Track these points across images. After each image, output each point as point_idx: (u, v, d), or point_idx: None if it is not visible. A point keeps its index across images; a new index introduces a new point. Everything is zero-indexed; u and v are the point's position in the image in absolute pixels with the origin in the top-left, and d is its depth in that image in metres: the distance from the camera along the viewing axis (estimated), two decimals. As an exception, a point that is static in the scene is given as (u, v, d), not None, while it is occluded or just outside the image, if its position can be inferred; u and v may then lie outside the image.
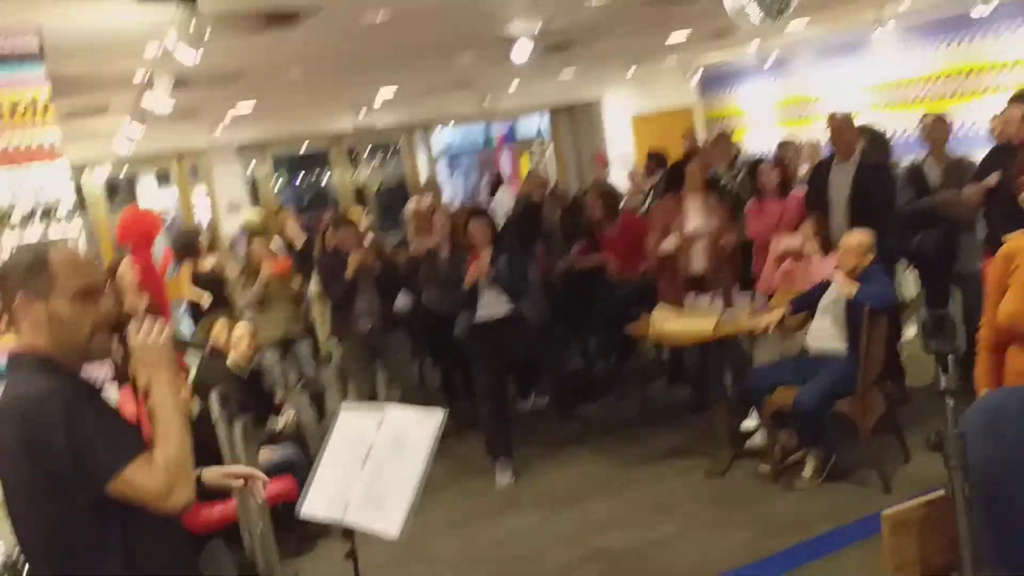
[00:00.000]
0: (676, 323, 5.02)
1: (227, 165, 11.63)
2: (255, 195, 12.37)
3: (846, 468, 4.67)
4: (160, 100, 5.72)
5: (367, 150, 13.87)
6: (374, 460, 2.74)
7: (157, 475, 1.89)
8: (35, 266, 1.98)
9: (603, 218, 6.58)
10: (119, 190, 13.32)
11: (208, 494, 2.33)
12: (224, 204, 11.58)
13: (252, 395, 5.75)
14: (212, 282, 7.45)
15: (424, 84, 9.22)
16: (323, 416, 6.83)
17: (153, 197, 13.36)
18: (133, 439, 1.98)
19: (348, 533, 2.79)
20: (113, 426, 1.98)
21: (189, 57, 3.86)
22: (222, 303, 7.20)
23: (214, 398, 5.05)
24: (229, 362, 5.59)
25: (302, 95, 8.76)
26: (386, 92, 9.40)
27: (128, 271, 6.27)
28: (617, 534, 4.50)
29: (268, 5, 4.58)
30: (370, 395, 6.14)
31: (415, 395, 6.24)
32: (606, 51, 8.76)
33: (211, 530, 4.57)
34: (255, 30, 5.01)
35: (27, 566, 2.06)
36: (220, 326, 5.81)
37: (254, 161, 12.34)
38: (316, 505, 2.82)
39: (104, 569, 1.91)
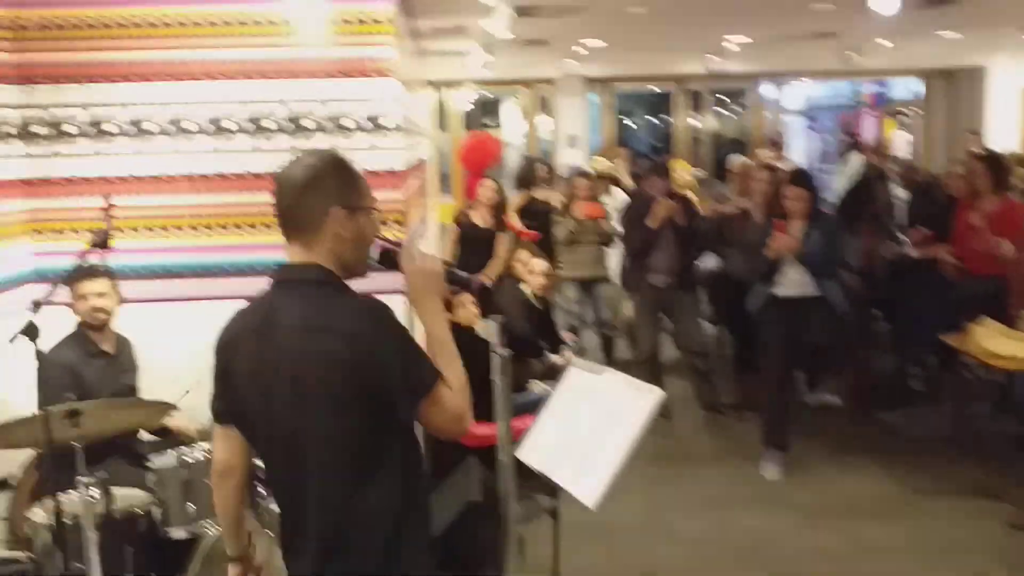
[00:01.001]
0: (1006, 343, 4.25)
1: (572, 98, 11.82)
2: (598, 131, 12.51)
3: None
4: (501, 26, 5.84)
5: (712, 97, 13.35)
6: (588, 424, 2.64)
7: (457, 396, 1.91)
8: (351, 178, 1.96)
9: (982, 192, 5.35)
10: (480, 112, 14.13)
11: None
12: (564, 136, 11.84)
13: (541, 328, 5.89)
14: (539, 212, 7.67)
15: (778, 32, 8.59)
16: (609, 363, 6.80)
17: (510, 122, 14.00)
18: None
19: (553, 490, 2.71)
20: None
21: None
22: (545, 233, 7.38)
23: (494, 322, 5.21)
24: (526, 291, 5.75)
25: (648, 34, 8.56)
26: (736, 38, 8.90)
27: (488, 192, 6.65)
28: (888, 567, 3.99)
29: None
30: (652, 353, 5.98)
31: (702, 362, 6.00)
32: (995, 9, 7.52)
33: (472, 446, 4.76)
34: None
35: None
36: (524, 254, 5.98)
37: (598, 97, 12.43)
38: (532, 452, 2.78)
39: (387, 482, 1.93)
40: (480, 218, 6.64)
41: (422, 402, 1.87)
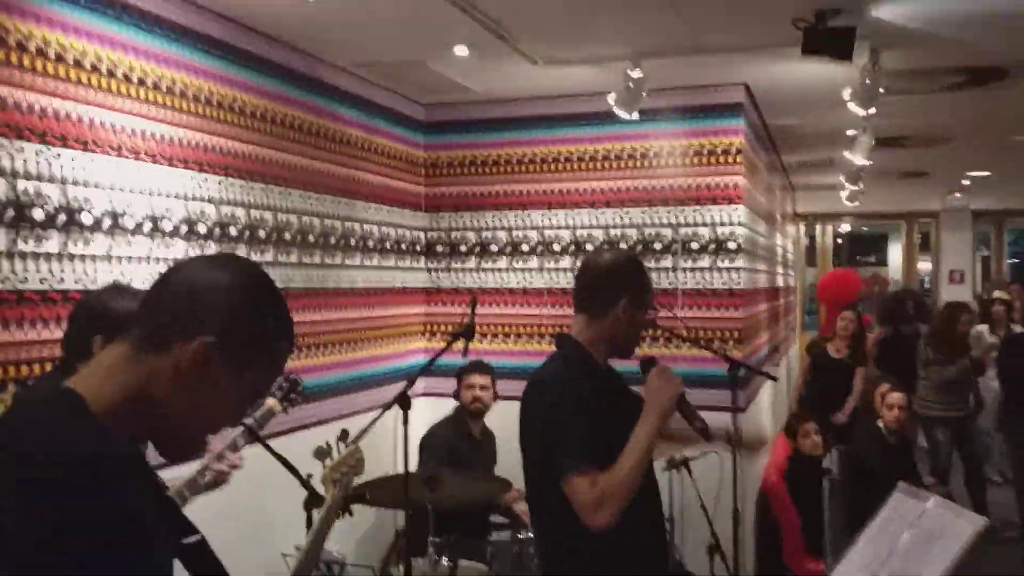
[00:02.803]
0: None
1: (957, 232, 11.05)
2: (985, 267, 11.51)
3: None
4: (862, 157, 5.82)
5: None
6: (904, 549, 2.51)
7: (593, 492, 2.03)
8: (643, 277, 2.30)
9: None
10: (853, 246, 13.68)
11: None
12: (947, 272, 11.07)
13: (897, 466, 5.51)
14: (902, 347, 7.29)
15: None
16: (980, 505, 6.08)
17: (889, 256, 13.42)
18: (601, 449, 2.09)
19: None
20: (592, 429, 2.10)
21: (860, 112, 3.92)
22: (904, 367, 6.99)
23: (836, 452, 5.06)
24: (880, 424, 5.47)
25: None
26: None
27: (845, 324, 6.64)
28: None
29: (966, 61, 4.32)
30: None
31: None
32: None
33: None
34: (958, 87, 4.76)
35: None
36: (883, 387, 5.71)
37: (991, 232, 11.47)
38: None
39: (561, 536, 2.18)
40: (835, 349, 6.51)
41: (559, 483, 2.06)
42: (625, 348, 2.29)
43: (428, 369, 3.19)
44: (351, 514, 2.25)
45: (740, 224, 4.71)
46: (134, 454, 1.14)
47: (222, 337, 1.15)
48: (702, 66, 4.41)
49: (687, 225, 4.76)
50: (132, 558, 1.03)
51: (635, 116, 4.27)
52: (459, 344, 3.24)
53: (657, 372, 2.21)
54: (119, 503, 1.03)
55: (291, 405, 3.02)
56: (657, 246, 4.80)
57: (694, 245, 4.76)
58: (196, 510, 2.60)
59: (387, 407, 2.98)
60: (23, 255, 2.70)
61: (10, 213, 2.66)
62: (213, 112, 3.55)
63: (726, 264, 4.71)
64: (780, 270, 7.97)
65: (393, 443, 2.97)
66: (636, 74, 4.06)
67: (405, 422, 3.01)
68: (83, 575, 0.99)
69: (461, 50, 4.07)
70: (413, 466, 3.26)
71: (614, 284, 2.23)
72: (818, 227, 11.89)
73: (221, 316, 1.16)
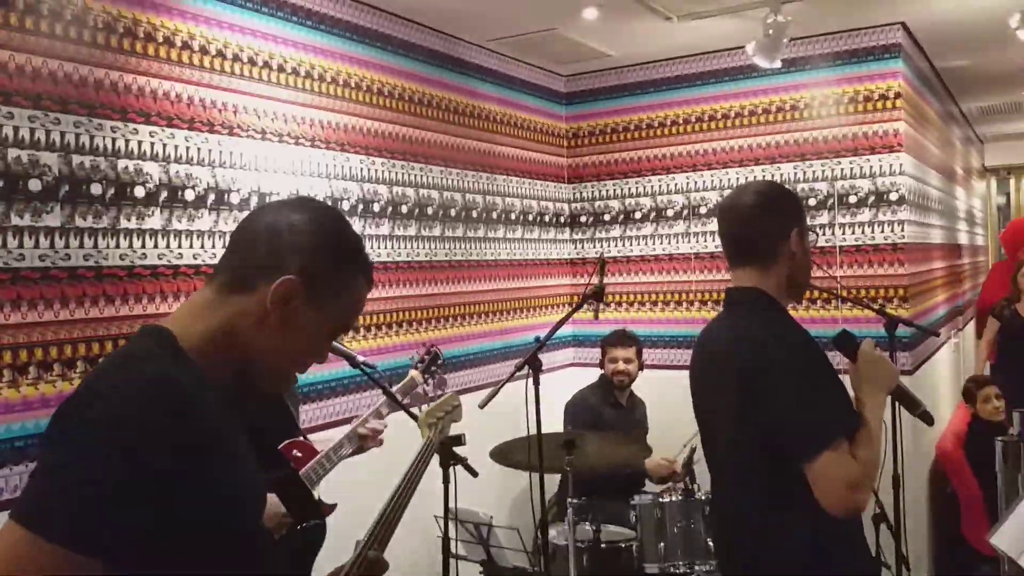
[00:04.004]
0: None
1: None
2: None
3: None
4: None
5: None
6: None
7: (853, 468, 1.76)
8: (798, 200, 2.06)
9: None
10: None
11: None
12: None
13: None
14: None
15: None
16: None
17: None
18: (846, 413, 1.87)
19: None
20: (834, 392, 1.88)
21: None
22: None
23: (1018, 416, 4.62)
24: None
25: None
26: None
27: None
28: None
29: None
30: None
31: None
32: None
33: (987, 554, 4.27)
34: None
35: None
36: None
37: None
38: (1003, 536, 2.47)
39: (791, 516, 1.85)
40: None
41: (807, 464, 1.75)
42: (806, 284, 2.02)
43: (559, 334, 3.18)
44: (463, 465, 2.29)
45: (903, 173, 4.39)
46: (205, 384, 1.19)
47: (303, 274, 1.20)
48: (852, 6, 4.14)
49: (844, 178, 4.49)
50: (176, 482, 1.07)
51: (776, 65, 4.07)
52: (588, 312, 3.21)
53: (871, 348, 1.95)
54: (176, 427, 1.08)
55: (432, 377, 3.12)
56: (812, 202, 4.56)
57: (852, 198, 4.48)
58: (346, 477, 2.73)
59: (517, 368, 3.00)
60: (177, 233, 2.91)
61: (164, 195, 2.88)
62: (353, 94, 3.69)
63: (888, 217, 4.40)
64: (964, 227, 7.37)
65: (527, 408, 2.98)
66: (776, 19, 3.86)
67: (536, 383, 3.02)
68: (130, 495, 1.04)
69: (591, 12, 4.02)
70: (549, 429, 3.25)
71: (780, 217, 1.93)
72: (1012, 182, 10.89)
73: (302, 254, 1.21)
